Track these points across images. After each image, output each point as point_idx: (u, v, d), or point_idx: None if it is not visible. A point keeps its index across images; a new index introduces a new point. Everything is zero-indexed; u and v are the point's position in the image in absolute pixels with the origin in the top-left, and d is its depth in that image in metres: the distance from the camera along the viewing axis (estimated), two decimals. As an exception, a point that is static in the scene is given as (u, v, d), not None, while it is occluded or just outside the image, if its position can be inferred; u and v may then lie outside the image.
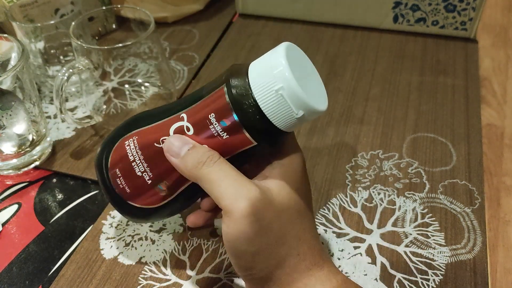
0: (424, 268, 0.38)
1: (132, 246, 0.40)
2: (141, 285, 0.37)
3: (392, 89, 0.55)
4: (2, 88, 0.42)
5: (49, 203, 0.44)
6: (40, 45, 0.54)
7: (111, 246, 0.40)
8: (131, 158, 0.32)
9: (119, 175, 0.33)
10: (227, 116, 0.28)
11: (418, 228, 0.40)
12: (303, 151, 0.33)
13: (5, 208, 0.44)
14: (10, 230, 0.42)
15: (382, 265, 0.38)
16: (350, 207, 0.42)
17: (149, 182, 0.32)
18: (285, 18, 0.66)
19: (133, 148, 0.32)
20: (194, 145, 0.29)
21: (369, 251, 0.39)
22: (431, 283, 0.37)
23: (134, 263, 0.39)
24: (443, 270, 0.37)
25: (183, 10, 0.67)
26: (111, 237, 0.41)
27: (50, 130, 0.50)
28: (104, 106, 0.51)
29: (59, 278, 0.38)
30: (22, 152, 0.46)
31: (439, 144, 0.48)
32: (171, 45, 0.63)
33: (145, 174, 0.32)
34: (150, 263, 0.39)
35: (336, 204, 0.43)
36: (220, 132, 0.29)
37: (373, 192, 0.43)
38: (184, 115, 0.30)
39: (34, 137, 0.47)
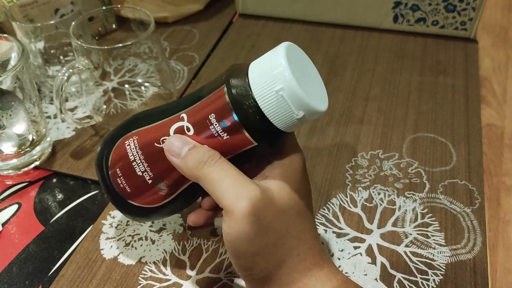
0: (424, 268, 0.38)
1: (132, 246, 0.40)
2: (141, 285, 0.37)
3: (392, 89, 0.55)
4: (2, 88, 0.42)
5: (49, 203, 0.44)
6: (40, 45, 0.54)
7: (111, 246, 0.40)
8: (131, 158, 0.32)
9: (120, 174, 0.33)
10: (227, 117, 0.28)
11: (418, 228, 0.40)
12: (303, 151, 0.33)
13: (5, 208, 0.44)
14: (10, 230, 0.42)
15: (382, 265, 0.38)
16: (350, 207, 0.42)
17: (150, 181, 0.32)
18: (285, 18, 0.66)
19: (133, 148, 0.32)
20: (194, 145, 0.29)
21: (369, 251, 0.39)
22: (431, 283, 0.37)
23: (134, 263, 0.39)
24: (443, 270, 0.37)
25: (183, 10, 0.67)
26: (111, 237, 0.41)
27: (50, 130, 0.50)
28: (104, 106, 0.51)
29: (59, 278, 0.38)
30: (22, 152, 0.46)
31: (439, 144, 0.48)
32: (171, 45, 0.63)
33: (145, 174, 0.32)
34: (150, 263, 0.39)
35: (336, 204, 0.43)
36: (221, 132, 0.29)
37: (373, 192, 0.43)
38: (184, 115, 0.30)
39: (34, 137, 0.47)
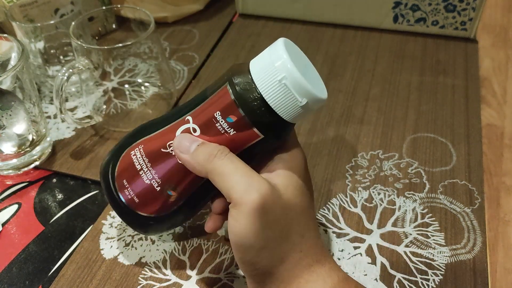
0: (424, 268, 0.38)
1: (132, 246, 0.40)
2: (141, 285, 0.37)
3: (392, 89, 0.55)
4: (2, 88, 0.42)
5: (49, 203, 0.44)
6: (40, 45, 0.54)
7: (111, 246, 0.40)
8: (138, 167, 0.32)
9: (127, 185, 0.33)
10: (233, 112, 0.29)
11: (418, 228, 0.40)
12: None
13: (5, 208, 0.44)
14: (10, 230, 0.42)
15: (382, 265, 0.38)
16: (350, 207, 0.42)
17: (158, 188, 0.32)
18: (285, 18, 0.66)
19: (139, 157, 0.32)
20: (203, 142, 0.30)
21: (369, 251, 0.39)
22: (431, 283, 0.37)
23: (134, 263, 0.39)
24: (443, 270, 0.37)
25: (183, 10, 0.67)
26: (111, 237, 0.41)
27: (50, 130, 0.50)
28: (104, 106, 0.51)
29: (59, 278, 0.38)
30: (22, 152, 0.46)
31: (439, 144, 0.48)
32: (171, 45, 0.63)
33: (153, 181, 0.32)
34: (150, 263, 0.39)
35: (336, 204, 0.43)
36: (227, 128, 0.29)
37: (373, 192, 0.43)
38: (189, 117, 0.31)
39: (34, 137, 0.47)
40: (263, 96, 0.28)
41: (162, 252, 0.39)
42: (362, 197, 0.43)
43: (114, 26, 0.65)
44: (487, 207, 0.43)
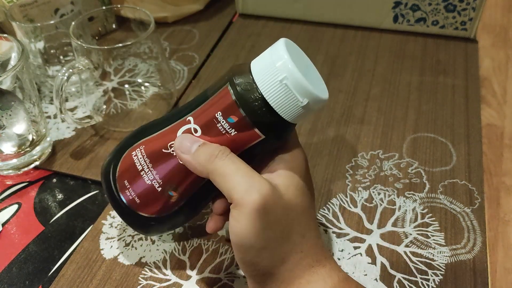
0: (424, 268, 0.38)
1: (132, 246, 0.40)
2: (141, 285, 0.37)
3: (392, 89, 0.55)
4: (2, 88, 0.42)
5: (49, 203, 0.44)
6: (40, 45, 0.54)
7: (111, 246, 0.40)
8: (139, 168, 0.32)
9: (128, 186, 0.33)
10: (234, 113, 0.29)
11: (418, 228, 0.40)
12: (303, 151, 0.33)
13: (5, 208, 0.44)
14: (10, 230, 0.42)
15: (382, 265, 0.38)
16: (350, 207, 0.42)
17: (159, 189, 0.32)
18: (285, 18, 0.66)
19: (140, 157, 0.32)
20: (204, 142, 0.30)
21: (369, 251, 0.39)
22: (431, 283, 0.37)
23: (134, 263, 0.39)
24: (443, 270, 0.37)
25: (183, 10, 0.67)
26: (111, 237, 0.41)
27: (50, 130, 0.50)
28: (104, 106, 0.51)
29: (59, 278, 0.38)
30: (22, 152, 0.46)
31: (439, 144, 0.48)
32: (171, 45, 0.63)
33: (154, 182, 0.32)
34: (150, 263, 0.39)
35: (336, 204, 0.43)
36: (228, 129, 0.29)
37: (373, 192, 0.43)
38: (190, 118, 0.31)
39: (34, 137, 0.47)
40: (264, 96, 0.28)
41: (162, 252, 0.39)
42: (362, 197, 0.43)
43: (114, 26, 0.65)
44: (487, 207, 0.43)
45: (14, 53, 0.45)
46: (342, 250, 0.39)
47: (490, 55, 0.62)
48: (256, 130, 0.29)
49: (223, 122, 0.29)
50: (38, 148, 0.47)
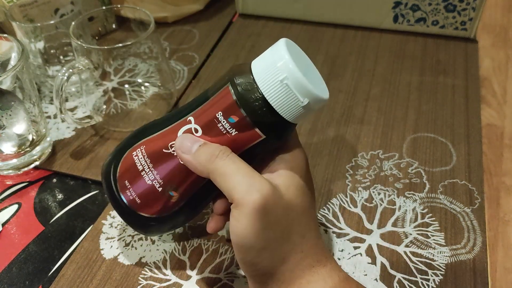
0: (424, 268, 0.38)
1: (132, 246, 0.40)
2: (141, 285, 0.37)
3: (392, 89, 0.55)
4: (2, 88, 0.42)
5: (49, 203, 0.44)
6: (40, 45, 0.54)
7: (111, 246, 0.40)
8: (140, 168, 0.32)
9: (128, 186, 0.33)
10: (234, 113, 0.29)
11: (418, 228, 0.40)
12: (303, 151, 0.33)
13: (5, 208, 0.44)
14: (10, 230, 0.42)
15: (382, 265, 0.38)
16: (350, 207, 0.42)
17: (160, 189, 0.32)
18: (285, 18, 0.66)
19: (141, 158, 0.32)
20: (205, 142, 0.30)
21: (369, 251, 0.39)
22: (431, 283, 0.37)
23: (134, 263, 0.39)
24: (443, 270, 0.37)
25: (183, 10, 0.67)
26: (111, 237, 0.41)
27: (50, 130, 0.50)
28: (104, 106, 0.51)
29: (59, 278, 0.38)
30: (22, 152, 0.46)
31: (439, 144, 0.48)
32: (171, 45, 0.63)
33: (155, 182, 0.32)
34: (150, 263, 0.39)
35: (336, 204, 0.43)
36: (229, 128, 0.29)
37: (373, 192, 0.43)
38: (191, 118, 0.31)
39: (34, 137, 0.47)
40: (265, 96, 0.28)
41: (162, 252, 0.39)
42: (362, 197, 0.43)
43: (114, 26, 0.65)
44: (487, 207, 0.43)
45: (14, 53, 0.45)
46: (342, 250, 0.39)
47: (490, 55, 0.62)
48: (257, 130, 0.29)
49: (223, 122, 0.29)
50: (38, 148, 0.47)
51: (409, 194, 0.43)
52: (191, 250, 0.40)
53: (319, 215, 0.42)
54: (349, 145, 0.48)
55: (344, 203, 0.43)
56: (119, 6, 0.60)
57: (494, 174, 0.47)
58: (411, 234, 0.40)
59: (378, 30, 0.63)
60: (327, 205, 0.43)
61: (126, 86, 0.52)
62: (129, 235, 0.41)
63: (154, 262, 0.39)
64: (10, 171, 0.47)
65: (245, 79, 0.29)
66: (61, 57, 0.56)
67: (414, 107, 0.52)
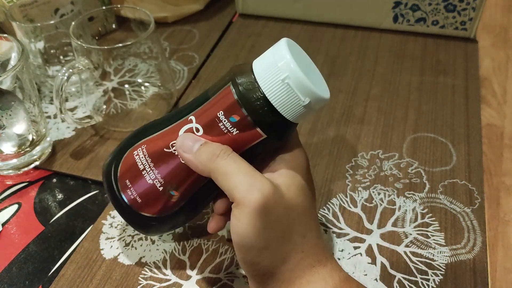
0: (424, 268, 0.38)
1: (132, 246, 0.40)
2: (141, 285, 0.37)
3: (392, 89, 0.55)
4: (2, 88, 0.42)
5: (49, 203, 0.44)
6: (40, 45, 0.54)
7: (111, 246, 0.40)
8: (141, 167, 0.32)
9: (129, 185, 0.33)
10: (236, 112, 0.29)
11: (418, 228, 0.40)
12: (303, 151, 0.33)
13: (5, 208, 0.44)
14: (10, 230, 0.42)
15: (382, 265, 0.38)
16: (350, 207, 0.42)
17: (161, 188, 0.32)
18: (285, 18, 0.66)
19: (142, 157, 0.32)
20: (206, 141, 0.30)
21: (369, 251, 0.39)
22: (431, 283, 0.37)
23: (134, 263, 0.39)
24: (443, 270, 0.37)
25: (183, 10, 0.67)
26: (111, 237, 0.41)
27: (50, 130, 0.50)
28: (104, 106, 0.51)
29: (59, 278, 0.38)
30: (22, 152, 0.46)
31: (439, 144, 0.48)
32: (171, 45, 0.63)
33: (156, 181, 0.32)
34: (150, 263, 0.39)
35: (336, 204, 0.43)
36: (230, 128, 0.29)
37: (373, 192, 0.43)
38: (192, 117, 0.31)
39: (34, 137, 0.47)
40: (266, 95, 0.28)
41: (162, 252, 0.39)
42: (362, 197, 0.43)
43: (114, 26, 0.65)
44: (487, 207, 0.43)
45: (14, 53, 0.45)
46: (342, 250, 0.39)
47: (490, 55, 0.62)
48: (258, 129, 0.29)
49: (225, 121, 0.29)
50: (38, 148, 0.47)
51: (409, 194, 0.43)
52: (191, 250, 0.40)
53: (319, 215, 0.42)
54: (349, 145, 0.48)
55: (344, 203, 0.43)
56: (119, 6, 0.60)
57: (494, 174, 0.47)
58: (411, 234, 0.40)
59: (378, 30, 0.63)
60: (327, 205, 0.43)
61: (126, 86, 0.52)
62: (129, 235, 0.41)
63: (154, 262, 0.39)
64: (10, 171, 0.47)
65: (246, 79, 0.29)
66: (61, 57, 0.56)
67: (414, 107, 0.52)
